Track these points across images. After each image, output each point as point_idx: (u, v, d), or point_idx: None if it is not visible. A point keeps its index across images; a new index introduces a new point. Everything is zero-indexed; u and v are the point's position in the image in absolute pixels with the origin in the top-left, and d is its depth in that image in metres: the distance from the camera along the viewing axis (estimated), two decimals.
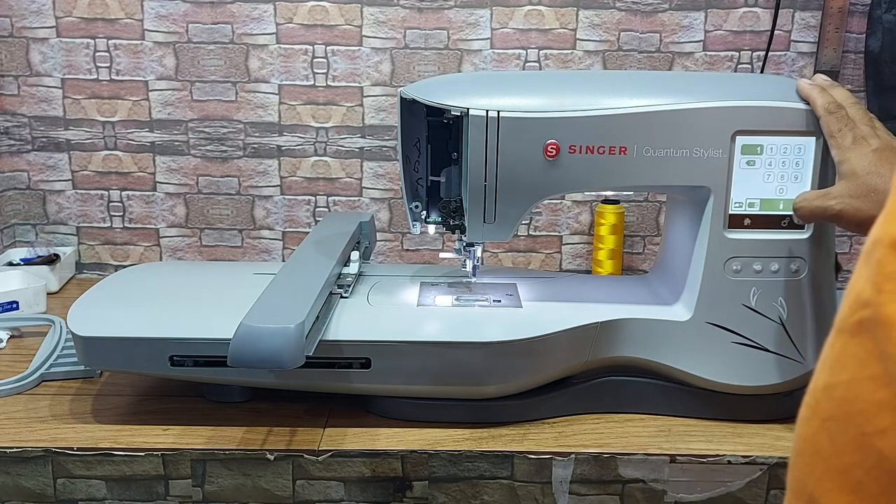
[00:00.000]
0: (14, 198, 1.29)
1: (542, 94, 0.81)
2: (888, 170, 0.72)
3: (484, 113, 0.78)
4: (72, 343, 0.87)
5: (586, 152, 0.79)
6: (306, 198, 1.30)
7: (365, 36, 1.24)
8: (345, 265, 0.93)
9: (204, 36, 1.24)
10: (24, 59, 1.24)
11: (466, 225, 0.84)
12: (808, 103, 0.79)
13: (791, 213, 0.80)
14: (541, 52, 1.24)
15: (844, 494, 0.31)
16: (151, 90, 1.26)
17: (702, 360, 0.83)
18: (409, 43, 1.24)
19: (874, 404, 0.30)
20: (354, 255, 0.94)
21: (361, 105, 1.26)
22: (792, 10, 1.22)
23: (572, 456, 0.78)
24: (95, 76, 1.25)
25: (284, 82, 1.25)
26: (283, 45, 1.24)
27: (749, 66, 1.24)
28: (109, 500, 0.78)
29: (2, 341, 1.01)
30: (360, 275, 0.94)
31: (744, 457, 0.78)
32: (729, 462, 0.78)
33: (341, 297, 0.85)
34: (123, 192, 1.30)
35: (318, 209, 1.31)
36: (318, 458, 0.77)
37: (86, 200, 1.30)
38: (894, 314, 0.29)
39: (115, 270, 1.28)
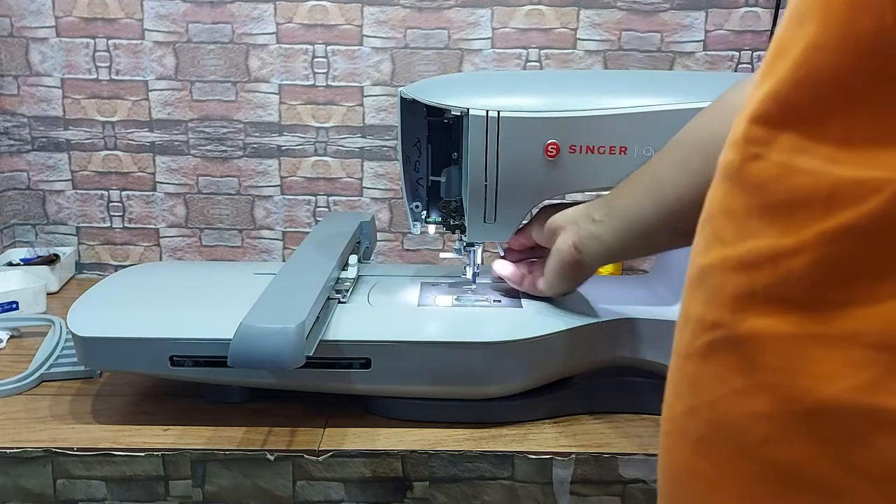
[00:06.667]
0: (14, 198, 1.29)
1: (543, 94, 0.81)
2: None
3: (484, 113, 0.78)
4: (72, 343, 0.86)
5: (587, 152, 0.79)
6: (306, 198, 1.30)
7: (365, 35, 1.24)
8: (343, 270, 0.93)
9: (204, 36, 1.24)
10: (23, 58, 1.24)
11: (466, 225, 0.83)
12: None
13: None
14: (541, 51, 1.24)
15: None
16: (151, 90, 1.26)
17: None
18: (410, 42, 1.24)
19: (748, 416, 0.30)
20: (353, 259, 0.94)
21: (362, 105, 1.26)
22: None
23: (573, 456, 0.78)
24: (95, 76, 1.25)
25: (284, 82, 1.25)
26: (283, 45, 1.24)
27: (749, 65, 1.24)
28: (109, 500, 0.78)
29: (2, 341, 1.01)
30: (358, 277, 0.94)
31: None
32: None
33: (339, 301, 0.85)
34: (123, 192, 1.30)
35: (318, 209, 1.30)
36: (319, 459, 0.77)
37: (86, 200, 1.30)
38: (752, 329, 0.30)
39: (115, 270, 1.28)
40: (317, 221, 1.30)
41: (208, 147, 1.28)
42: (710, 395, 0.32)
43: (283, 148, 1.28)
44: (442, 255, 1.04)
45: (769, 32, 1.20)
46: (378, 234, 1.29)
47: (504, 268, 0.86)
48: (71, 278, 1.29)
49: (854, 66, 0.28)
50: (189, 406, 0.85)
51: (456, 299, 0.89)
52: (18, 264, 1.23)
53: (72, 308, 0.83)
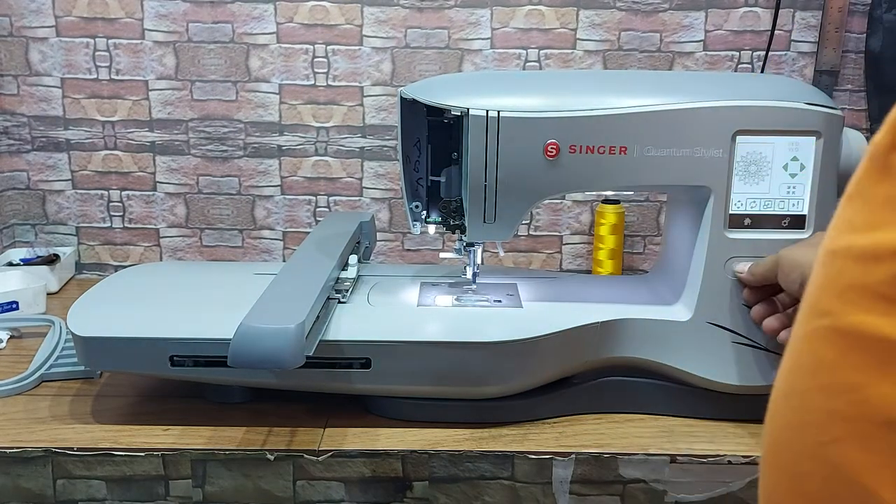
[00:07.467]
0: (14, 198, 1.29)
1: (543, 94, 0.81)
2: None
3: (484, 113, 0.78)
4: (72, 343, 0.87)
5: (586, 152, 0.79)
6: (307, 198, 1.30)
7: (365, 35, 1.24)
8: (343, 270, 0.93)
9: (204, 35, 1.24)
10: (23, 58, 1.24)
11: (466, 225, 0.83)
12: (808, 104, 0.79)
13: (791, 213, 0.80)
14: (541, 51, 1.24)
15: None
16: (151, 90, 1.25)
17: (702, 359, 0.83)
18: (410, 42, 1.24)
19: (827, 413, 0.29)
20: (353, 259, 0.94)
21: (362, 105, 1.26)
22: (792, 10, 1.22)
23: (573, 456, 0.78)
24: (95, 76, 1.25)
25: (285, 82, 1.25)
26: (283, 45, 1.24)
27: (749, 65, 1.24)
28: (109, 500, 0.78)
29: (2, 342, 1.01)
30: (358, 277, 0.94)
31: (744, 457, 0.78)
32: (729, 462, 0.78)
33: (339, 301, 0.85)
34: (123, 192, 1.30)
35: (318, 209, 1.30)
36: (319, 459, 0.77)
37: (85, 200, 1.30)
38: (856, 323, 0.29)
39: (115, 270, 1.28)
40: (317, 221, 1.30)
41: (209, 147, 1.28)
42: (803, 384, 0.31)
43: (284, 148, 1.28)
44: (442, 255, 1.04)
45: (769, 32, 1.20)
46: (378, 234, 1.29)
47: (757, 314, 0.81)
48: (71, 278, 1.29)
49: None
50: (189, 406, 0.85)
51: (456, 299, 0.89)
52: (18, 264, 1.23)
53: (72, 308, 0.83)
